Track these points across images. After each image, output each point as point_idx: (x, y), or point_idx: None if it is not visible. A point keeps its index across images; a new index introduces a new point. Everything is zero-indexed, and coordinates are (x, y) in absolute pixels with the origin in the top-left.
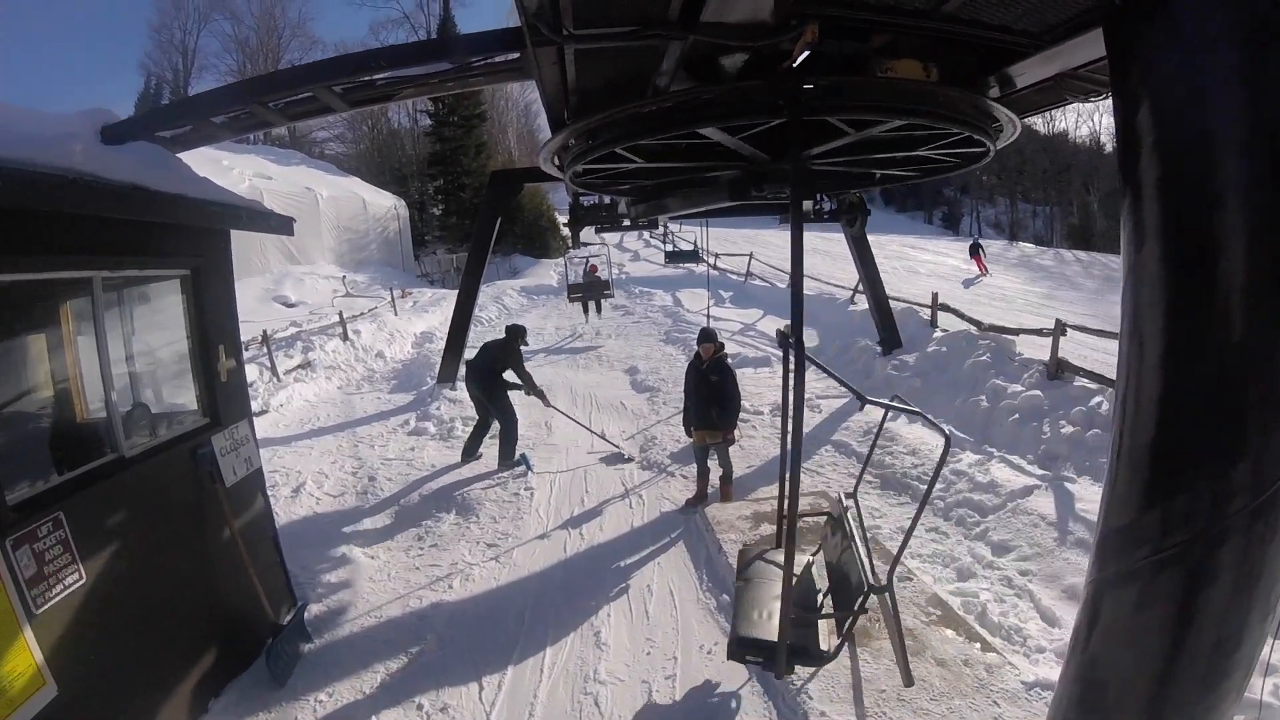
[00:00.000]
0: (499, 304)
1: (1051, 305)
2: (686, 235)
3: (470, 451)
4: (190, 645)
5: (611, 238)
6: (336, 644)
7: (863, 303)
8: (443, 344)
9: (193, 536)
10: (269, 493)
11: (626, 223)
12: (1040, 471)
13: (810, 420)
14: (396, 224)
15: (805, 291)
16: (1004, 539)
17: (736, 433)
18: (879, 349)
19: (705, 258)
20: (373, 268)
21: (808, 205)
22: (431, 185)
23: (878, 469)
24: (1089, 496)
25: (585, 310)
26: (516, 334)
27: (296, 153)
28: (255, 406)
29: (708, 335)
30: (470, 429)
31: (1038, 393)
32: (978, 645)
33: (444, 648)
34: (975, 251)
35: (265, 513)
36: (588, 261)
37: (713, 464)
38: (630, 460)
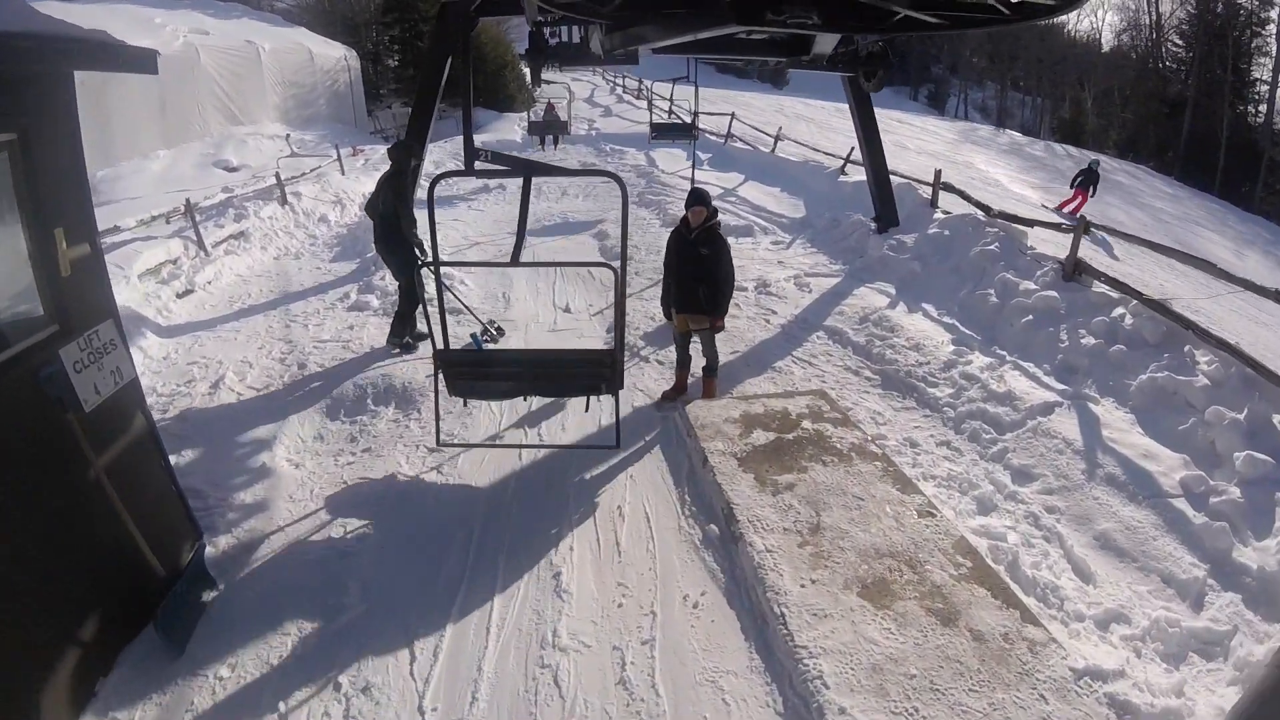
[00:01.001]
0: (456, 162)
1: (1047, 197)
2: (668, 103)
3: (397, 334)
4: (63, 619)
5: (580, 90)
6: (244, 592)
7: (855, 174)
8: None
9: (45, 484)
10: (186, 390)
11: (597, 58)
12: (1060, 386)
13: (799, 301)
14: (347, 76)
15: (789, 158)
16: (1025, 464)
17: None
18: (873, 226)
19: (698, 130)
20: (322, 124)
21: (824, 48)
22: (386, 35)
23: (877, 364)
24: (1116, 423)
25: (542, 144)
26: (402, 154)
27: (239, 5)
28: (178, 287)
29: (699, 197)
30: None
31: (1053, 294)
32: (1016, 613)
33: (369, 599)
34: (1087, 182)
35: (147, 434)
36: (547, 102)
37: (695, 352)
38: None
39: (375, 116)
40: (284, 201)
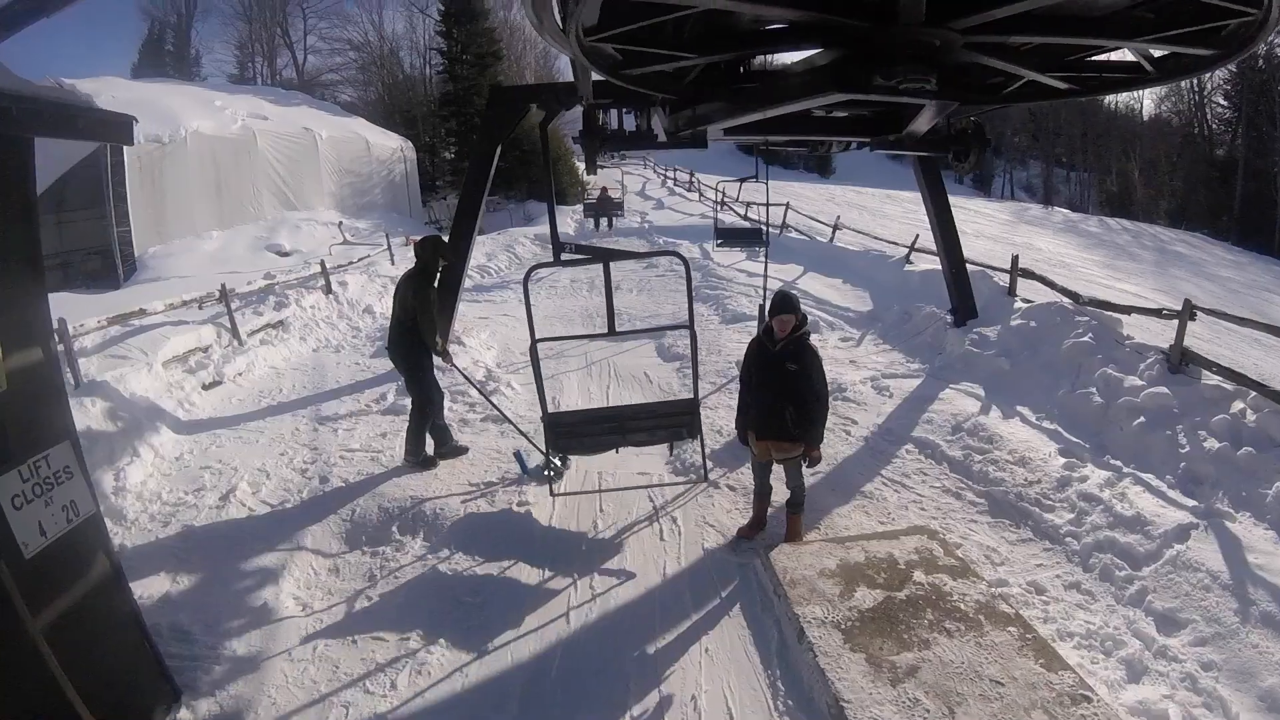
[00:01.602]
0: (510, 253)
1: (1114, 275)
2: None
3: (412, 450)
4: None
5: (631, 184)
6: None
7: (920, 263)
8: None
9: None
10: (193, 499)
11: (657, 141)
12: (1189, 502)
13: (879, 407)
14: (403, 166)
15: (848, 247)
16: (1169, 607)
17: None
18: (949, 319)
19: (768, 235)
20: (376, 213)
21: (921, 125)
22: (443, 128)
23: (980, 484)
24: (1258, 544)
25: (597, 226)
26: (429, 252)
27: (299, 94)
28: (206, 377)
29: (786, 302)
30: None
31: (1163, 389)
32: None
33: None
34: None
35: (111, 580)
36: (602, 187)
37: (777, 482)
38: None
39: (430, 207)
40: (329, 290)
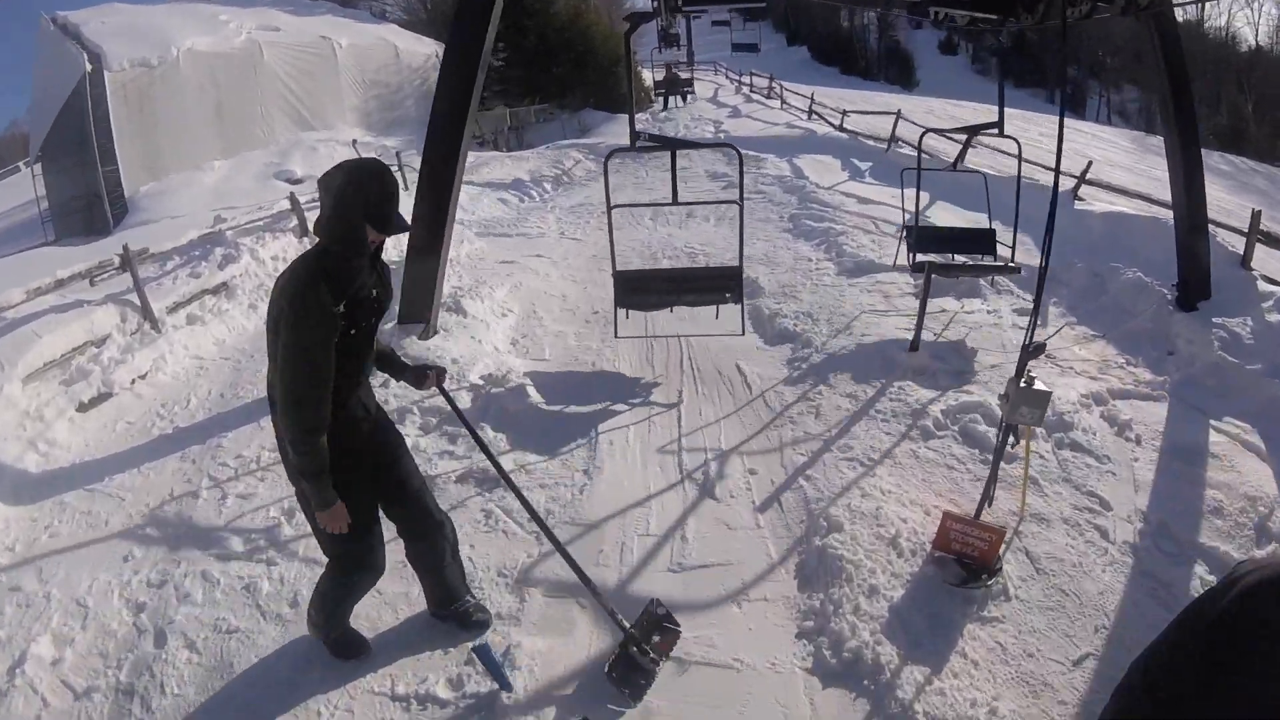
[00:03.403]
0: (558, 169)
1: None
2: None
3: (315, 621)
4: None
5: (703, 90)
6: None
7: (1093, 201)
8: (461, 230)
9: None
10: None
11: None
12: None
13: (1132, 467)
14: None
15: (987, 170)
16: None
17: None
18: (1171, 297)
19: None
20: (409, 129)
21: None
22: None
23: None
24: None
25: (665, 104)
26: (337, 216)
27: (325, 2)
28: (87, 390)
29: None
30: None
31: None
32: None
33: None
34: None
35: None
36: (667, 65)
37: None
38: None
39: (474, 119)
40: (303, 232)
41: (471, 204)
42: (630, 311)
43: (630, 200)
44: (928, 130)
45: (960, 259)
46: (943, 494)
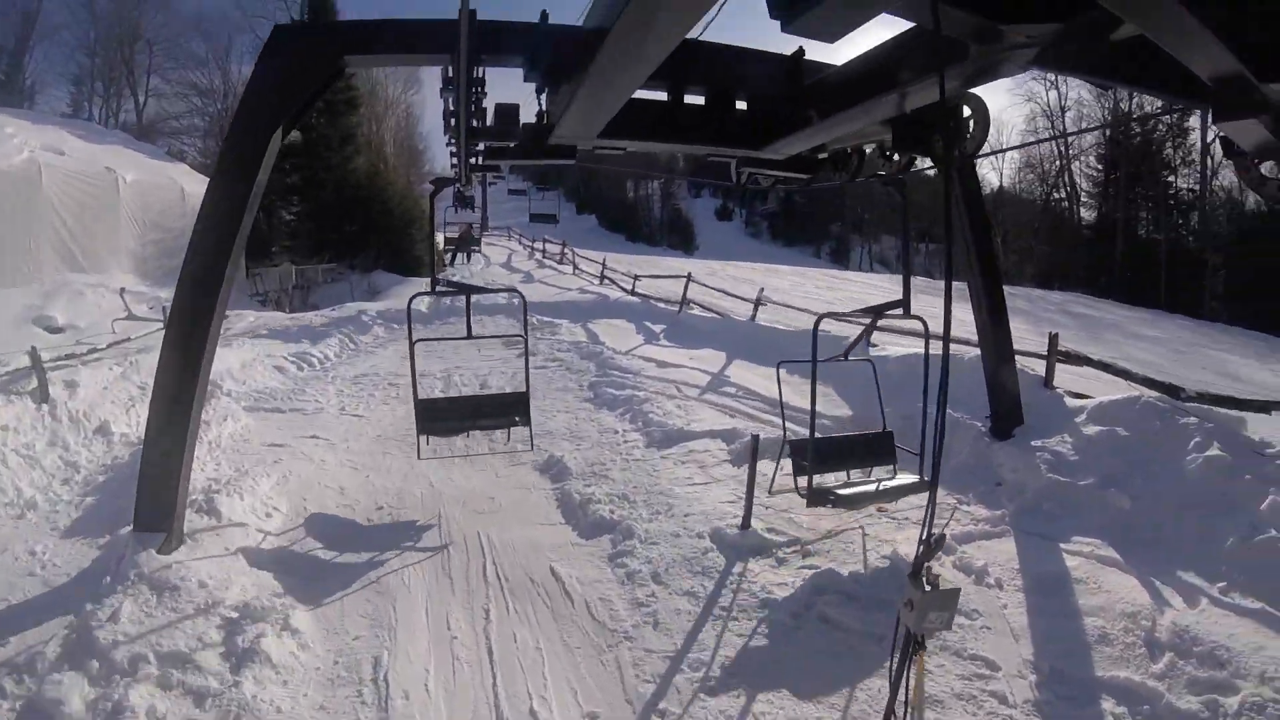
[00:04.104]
0: (343, 335)
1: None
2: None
3: None
4: None
5: (496, 254)
6: None
7: (885, 345)
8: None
9: None
10: None
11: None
12: None
13: (998, 613)
14: None
15: (777, 326)
16: None
17: None
18: (985, 429)
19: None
20: None
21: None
22: (285, 181)
23: None
24: None
25: (453, 261)
26: None
27: (119, 131)
28: None
29: None
30: None
31: None
32: None
33: None
34: None
35: None
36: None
37: None
38: None
39: (258, 277)
40: (44, 397)
41: (243, 372)
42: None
43: (425, 368)
44: (824, 315)
45: (858, 475)
46: (824, 701)
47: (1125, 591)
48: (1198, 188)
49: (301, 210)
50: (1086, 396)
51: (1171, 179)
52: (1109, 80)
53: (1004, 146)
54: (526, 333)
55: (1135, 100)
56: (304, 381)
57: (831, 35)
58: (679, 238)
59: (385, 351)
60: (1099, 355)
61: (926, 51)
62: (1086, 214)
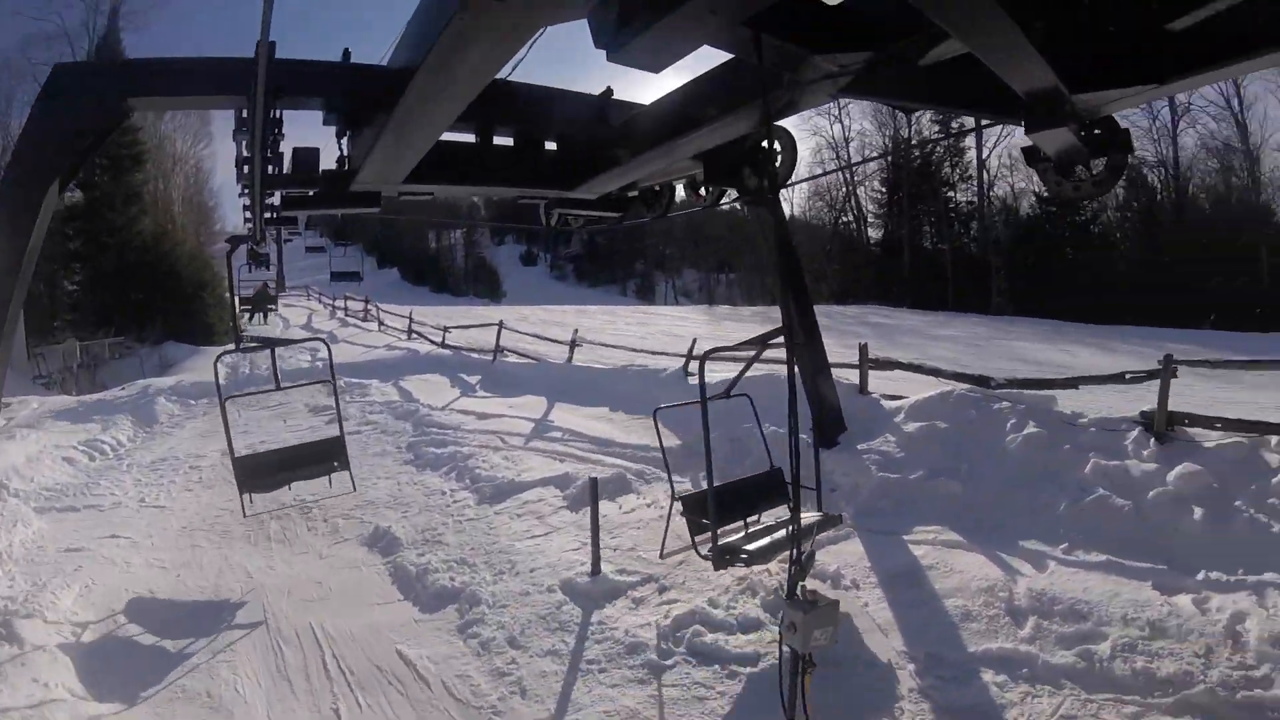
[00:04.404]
0: (136, 417)
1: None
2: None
3: None
4: None
5: (295, 316)
6: None
7: (707, 373)
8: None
9: None
10: None
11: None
12: None
13: (861, 610)
14: None
15: (596, 365)
16: None
17: None
18: (810, 440)
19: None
20: None
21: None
22: (66, 247)
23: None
24: None
25: (251, 319)
26: None
27: None
28: None
29: None
30: None
31: (1194, 466)
32: None
33: None
34: None
35: None
36: (261, 283)
37: None
38: None
39: (40, 357)
40: None
41: (30, 467)
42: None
43: (238, 433)
44: (711, 352)
45: (761, 523)
46: None
47: (976, 569)
48: (976, 199)
49: (84, 279)
50: (902, 397)
51: (951, 194)
52: (918, 103)
53: (799, 179)
54: (334, 375)
55: (914, 126)
56: (98, 473)
57: (656, 65)
58: (485, 286)
59: (182, 431)
60: (906, 358)
61: (738, 86)
62: (874, 233)
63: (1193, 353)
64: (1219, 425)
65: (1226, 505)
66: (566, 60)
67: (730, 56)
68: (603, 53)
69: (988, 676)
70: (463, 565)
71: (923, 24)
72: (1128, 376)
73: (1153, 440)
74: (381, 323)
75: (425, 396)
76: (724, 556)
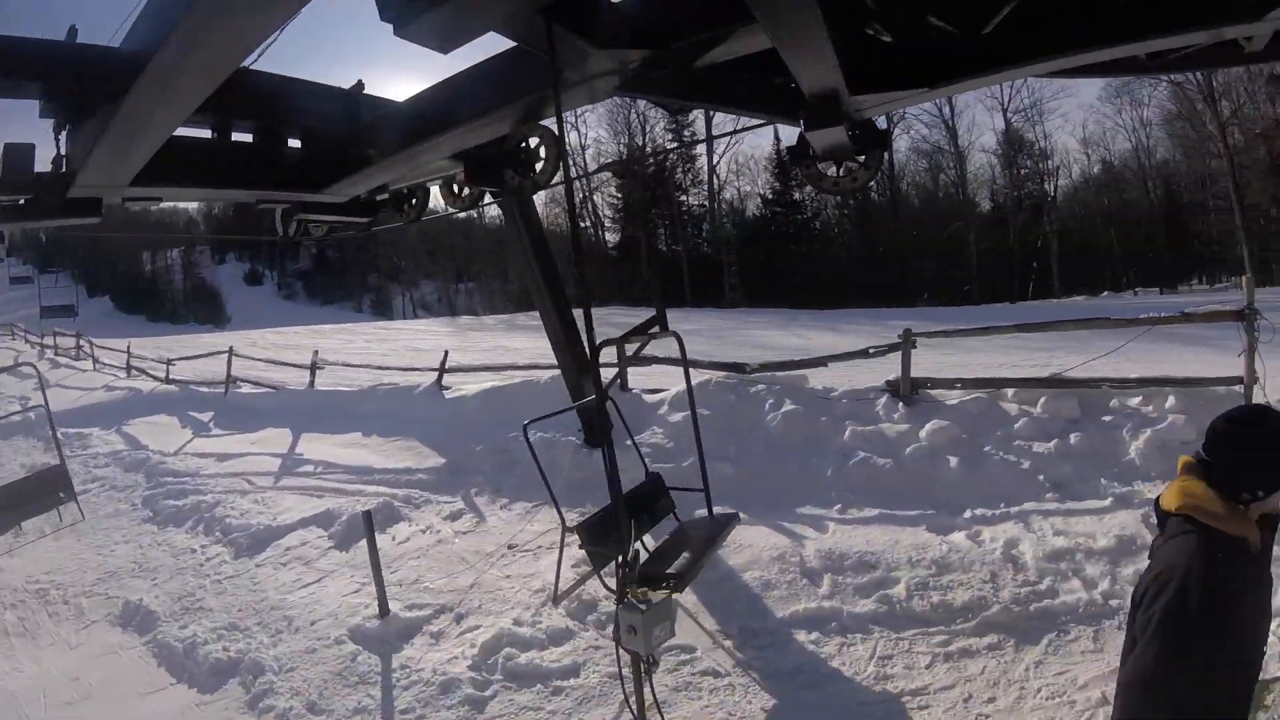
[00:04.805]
0: None
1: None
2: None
3: None
4: None
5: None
6: None
7: (462, 387)
8: None
9: None
10: None
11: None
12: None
13: None
14: None
15: (339, 388)
16: None
17: None
18: (580, 440)
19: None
20: None
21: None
22: None
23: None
24: None
25: None
26: None
27: None
28: None
29: None
30: None
31: (943, 422)
32: None
33: None
34: None
35: None
36: None
37: None
38: None
39: None
40: None
41: None
42: None
43: None
44: (603, 343)
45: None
46: None
47: (763, 540)
48: (707, 203)
49: None
50: (663, 390)
51: (684, 198)
52: (693, 102)
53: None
54: (46, 396)
55: (648, 134)
56: None
57: (444, 45)
58: (207, 310)
59: None
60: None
61: (506, 83)
62: (611, 237)
63: (914, 328)
64: (959, 385)
65: (977, 451)
66: (318, 51)
67: (495, 52)
68: (355, 47)
69: (801, 637)
70: (234, 631)
71: (709, 24)
72: (871, 351)
73: (901, 404)
74: (97, 360)
75: (155, 442)
76: (647, 586)
